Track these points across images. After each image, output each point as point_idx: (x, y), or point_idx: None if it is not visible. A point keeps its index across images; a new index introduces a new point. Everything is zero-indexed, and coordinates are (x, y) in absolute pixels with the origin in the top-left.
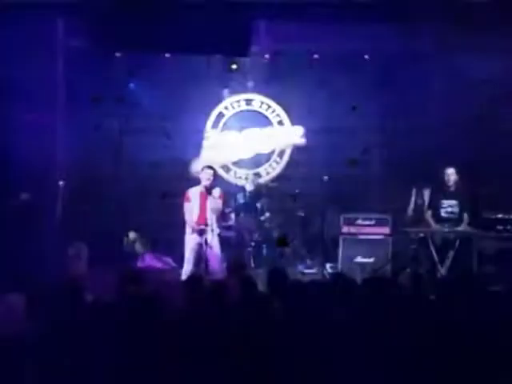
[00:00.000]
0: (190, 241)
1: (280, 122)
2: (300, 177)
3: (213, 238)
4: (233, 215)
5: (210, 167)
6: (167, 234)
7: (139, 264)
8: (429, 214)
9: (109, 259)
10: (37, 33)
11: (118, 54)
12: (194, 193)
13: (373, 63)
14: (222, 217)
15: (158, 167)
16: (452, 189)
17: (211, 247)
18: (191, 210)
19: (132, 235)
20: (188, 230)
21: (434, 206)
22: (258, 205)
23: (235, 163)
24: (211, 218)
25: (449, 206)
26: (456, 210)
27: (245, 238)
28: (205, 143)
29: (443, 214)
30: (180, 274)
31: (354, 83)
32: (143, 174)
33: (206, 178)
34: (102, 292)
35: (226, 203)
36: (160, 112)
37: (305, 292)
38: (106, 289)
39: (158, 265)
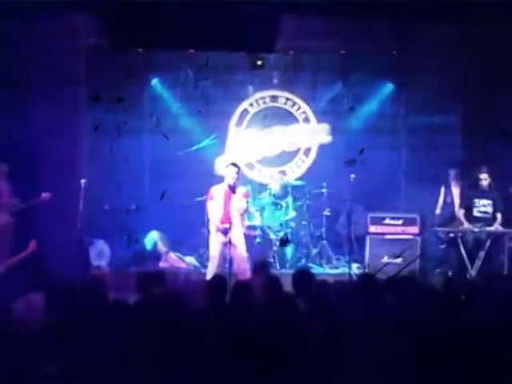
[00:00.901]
0: (214, 240)
1: (306, 120)
2: (326, 175)
3: (237, 238)
4: (257, 214)
5: (235, 165)
6: (190, 234)
7: (161, 264)
8: (461, 212)
9: (130, 259)
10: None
11: (140, 50)
12: (217, 191)
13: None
14: (246, 216)
15: (182, 165)
16: (485, 188)
17: (235, 247)
18: (215, 208)
19: (154, 235)
20: (212, 229)
21: (467, 205)
22: (283, 204)
23: (260, 161)
24: (235, 217)
25: (482, 205)
26: (489, 209)
27: (270, 238)
28: (229, 141)
29: (476, 214)
30: (203, 274)
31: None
32: (166, 173)
33: (230, 175)
34: (124, 293)
35: (250, 202)
36: (183, 109)
37: (331, 293)
38: (128, 289)
39: (181, 265)
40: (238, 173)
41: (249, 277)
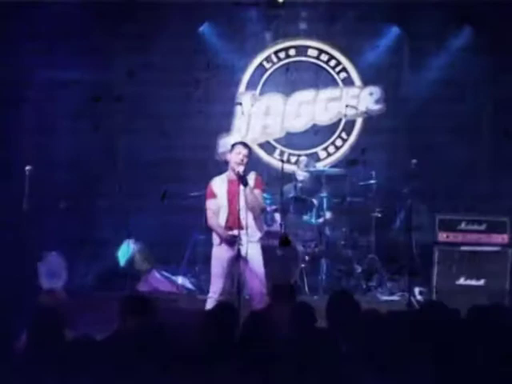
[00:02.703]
0: (217, 253)
1: (347, 81)
2: (376, 161)
3: (249, 249)
4: (278, 216)
5: (245, 144)
6: (182, 244)
7: (141, 287)
8: None
9: (96, 279)
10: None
11: None
12: (220, 184)
13: None
14: (262, 218)
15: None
16: None
17: (247, 262)
18: (218, 208)
19: (130, 245)
20: (214, 238)
21: None
22: (315, 201)
23: (281, 140)
24: (247, 220)
25: None
26: None
27: (296, 250)
28: (237, 111)
29: None
30: (201, 302)
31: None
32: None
33: (237, 160)
34: (87, 327)
35: (268, 198)
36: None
37: (384, 328)
38: (94, 322)
39: (169, 288)
40: (248, 156)
41: (266, 305)
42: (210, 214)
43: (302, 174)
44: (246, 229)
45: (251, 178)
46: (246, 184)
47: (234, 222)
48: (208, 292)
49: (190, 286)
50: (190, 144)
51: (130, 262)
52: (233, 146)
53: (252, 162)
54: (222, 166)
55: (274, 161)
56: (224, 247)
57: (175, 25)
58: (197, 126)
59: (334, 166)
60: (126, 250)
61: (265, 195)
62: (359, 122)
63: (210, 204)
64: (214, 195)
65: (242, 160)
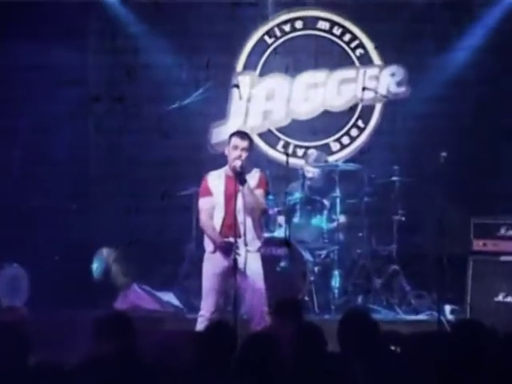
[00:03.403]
0: (210, 263)
1: (364, 59)
2: (398, 154)
3: (249, 260)
4: (282, 219)
5: (243, 135)
6: (167, 254)
7: (118, 304)
8: None
9: (64, 295)
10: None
11: None
12: (217, 180)
13: None
14: (264, 222)
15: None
16: None
17: (245, 275)
18: (212, 209)
19: (105, 254)
20: (207, 244)
21: None
22: (327, 202)
23: (285, 129)
24: (245, 225)
25: None
26: None
27: (303, 260)
28: (234, 95)
29: None
30: (191, 322)
31: None
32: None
33: (235, 154)
34: (55, 352)
35: (270, 198)
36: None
37: (407, 354)
38: (63, 346)
39: (152, 305)
40: (248, 149)
41: (268, 326)
42: (203, 215)
43: (310, 170)
44: (245, 235)
45: (254, 176)
46: (243, 182)
47: (230, 226)
48: (199, 310)
49: (177, 302)
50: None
51: (106, 273)
52: (230, 136)
53: (254, 154)
54: (219, 160)
55: (276, 154)
56: (218, 256)
57: None
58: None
59: (348, 160)
60: (99, 259)
61: (270, 197)
62: (378, 107)
63: (204, 203)
64: (209, 193)
65: (240, 155)
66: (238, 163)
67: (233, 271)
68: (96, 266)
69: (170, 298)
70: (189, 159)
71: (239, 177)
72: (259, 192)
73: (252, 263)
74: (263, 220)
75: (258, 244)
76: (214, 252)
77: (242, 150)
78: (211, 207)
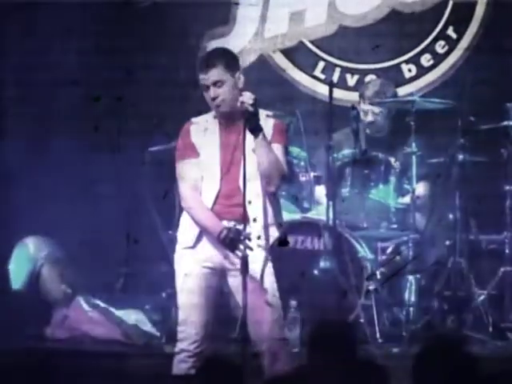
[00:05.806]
0: (192, 265)
1: None
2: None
3: (261, 257)
4: (322, 190)
5: (213, 58)
6: (131, 249)
7: (53, 330)
8: None
9: None
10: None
11: None
12: (204, 131)
13: None
14: (289, 195)
15: None
16: None
17: (256, 285)
18: (200, 178)
19: (32, 249)
20: (184, 234)
21: None
22: (396, 162)
23: (328, 43)
24: (257, 201)
25: None
26: None
27: (357, 257)
28: None
29: None
30: (167, 357)
31: None
32: None
33: (208, 96)
34: None
35: (299, 155)
36: None
37: None
38: None
39: (108, 331)
40: (225, 82)
41: (297, 366)
42: (186, 187)
43: (370, 110)
44: (255, 220)
45: (266, 123)
46: (257, 130)
47: (230, 204)
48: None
49: (149, 327)
50: None
51: (32, 280)
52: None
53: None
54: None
55: (312, 82)
56: (208, 252)
57: None
58: None
59: (431, 93)
60: (22, 257)
61: (303, 154)
62: (482, 4)
63: (187, 169)
64: (193, 152)
65: (217, 95)
66: (249, 99)
67: (242, 277)
68: (17, 270)
69: (138, 319)
70: None
71: (252, 123)
72: (277, 146)
73: (265, 264)
74: (285, 191)
75: (275, 233)
76: (195, 246)
77: (215, 85)
78: (199, 176)
